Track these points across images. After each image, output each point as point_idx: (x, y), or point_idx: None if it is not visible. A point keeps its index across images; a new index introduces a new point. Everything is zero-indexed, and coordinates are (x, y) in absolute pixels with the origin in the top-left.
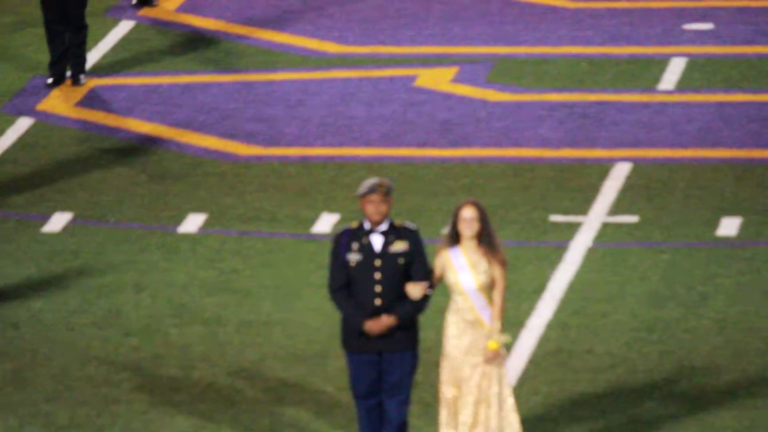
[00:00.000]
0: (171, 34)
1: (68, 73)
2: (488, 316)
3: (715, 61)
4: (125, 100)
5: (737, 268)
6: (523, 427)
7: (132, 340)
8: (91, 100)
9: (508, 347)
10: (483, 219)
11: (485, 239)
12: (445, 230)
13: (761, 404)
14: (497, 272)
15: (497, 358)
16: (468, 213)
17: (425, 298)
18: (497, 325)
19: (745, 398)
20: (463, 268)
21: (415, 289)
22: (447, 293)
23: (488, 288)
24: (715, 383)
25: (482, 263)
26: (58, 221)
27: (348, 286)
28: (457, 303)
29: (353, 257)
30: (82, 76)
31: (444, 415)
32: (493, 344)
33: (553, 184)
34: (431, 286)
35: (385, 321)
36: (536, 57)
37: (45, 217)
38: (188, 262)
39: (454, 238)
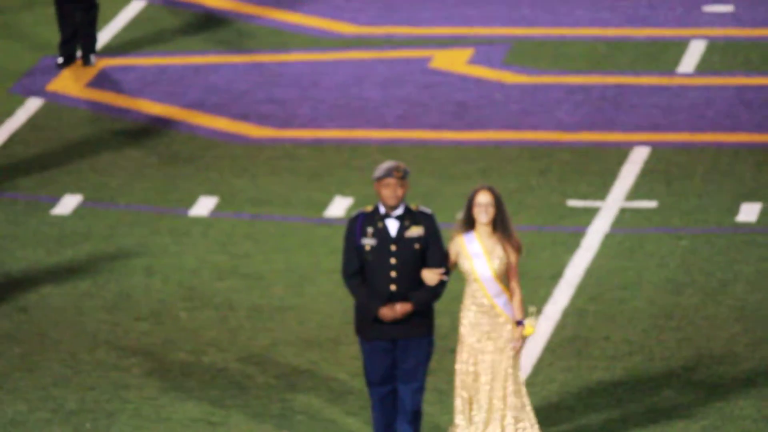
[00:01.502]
0: (182, 13)
1: (79, 53)
2: (503, 302)
3: (735, 44)
4: (136, 80)
5: (757, 254)
6: (538, 415)
7: (142, 324)
8: (102, 81)
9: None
10: (498, 204)
11: (500, 225)
12: (460, 215)
13: None
14: (512, 258)
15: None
16: (483, 198)
17: (441, 285)
18: (522, 312)
19: (764, 386)
20: (477, 255)
21: (431, 275)
22: (462, 279)
23: (503, 275)
24: (733, 371)
25: (497, 249)
26: (68, 203)
27: (362, 271)
28: (473, 290)
29: (368, 242)
30: (92, 56)
31: (459, 402)
32: (529, 330)
33: (570, 168)
34: (447, 272)
35: (401, 308)
36: (553, 39)
37: (55, 199)
38: (199, 246)
39: (469, 224)
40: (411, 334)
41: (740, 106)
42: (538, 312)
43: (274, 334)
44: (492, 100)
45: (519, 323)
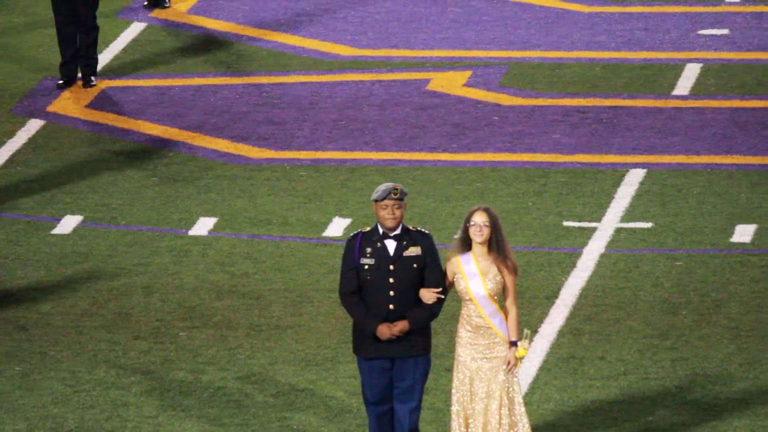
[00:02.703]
0: (182, 35)
1: (79, 75)
2: (499, 322)
3: (730, 67)
4: (136, 102)
5: (751, 275)
6: None
7: (142, 343)
8: (102, 102)
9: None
10: (494, 225)
11: (496, 246)
12: (457, 236)
13: None
14: (508, 279)
15: (518, 366)
16: (479, 219)
17: (438, 304)
18: (518, 333)
19: (758, 406)
20: (473, 275)
21: (428, 295)
22: (459, 299)
23: (498, 294)
24: (728, 391)
25: (492, 270)
26: (68, 223)
27: (359, 291)
28: (468, 309)
29: (367, 261)
30: (93, 78)
31: (455, 422)
32: (522, 352)
33: (566, 189)
34: (444, 292)
35: (399, 326)
36: (550, 61)
37: (55, 219)
38: (198, 266)
39: (466, 244)
40: (408, 353)
41: (735, 129)
42: (533, 333)
43: (273, 353)
44: (489, 122)
45: (513, 344)
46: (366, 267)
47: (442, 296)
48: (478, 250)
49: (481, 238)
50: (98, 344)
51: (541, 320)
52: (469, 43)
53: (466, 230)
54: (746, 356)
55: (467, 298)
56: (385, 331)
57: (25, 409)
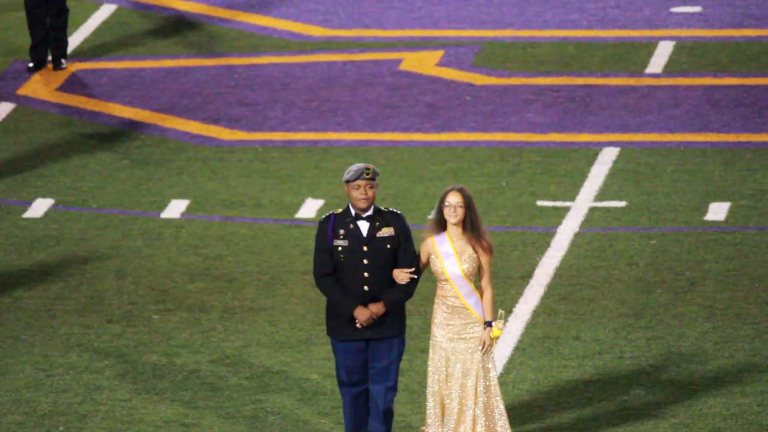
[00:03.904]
0: (153, 17)
1: (49, 58)
2: (474, 302)
3: (703, 45)
4: (107, 84)
5: (726, 253)
6: (509, 415)
7: (114, 327)
8: (73, 85)
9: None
10: (468, 205)
11: (470, 226)
12: (431, 216)
13: (749, 390)
14: (483, 259)
15: (493, 346)
16: (453, 199)
17: (412, 284)
18: (492, 313)
19: (734, 384)
20: (448, 255)
21: (401, 275)
22: (434, 280)
23: (473, 275)
24: (703, 369)
25: (468, 250)
26: (39, 207)
27: (334, 272)
28: (444, 290)
29: (340, 243)
30: (63, 61)
31: (431, 403)
32: (496, 332)
33: (540, 168)
34: (417, 272)
35: (374, 309)
36: (523, 40)
37: (26, 203)
38: (171, 248)
39: (440, 225)
40: (383, 334)
41: (708, 107)
42: (507, 313)
43: (247, 335)
44: (462, 101)
45: (487, 324)
46: (339, 249)
47: (416, 276)
48: (453, 230)
49: (456, 218)
50: (71, 328)
51: (515, 300)
52: (441, 23)
53: (440, 211)
54: (721, 334)
55: (443, 278)
56: (362, 315)
57: None
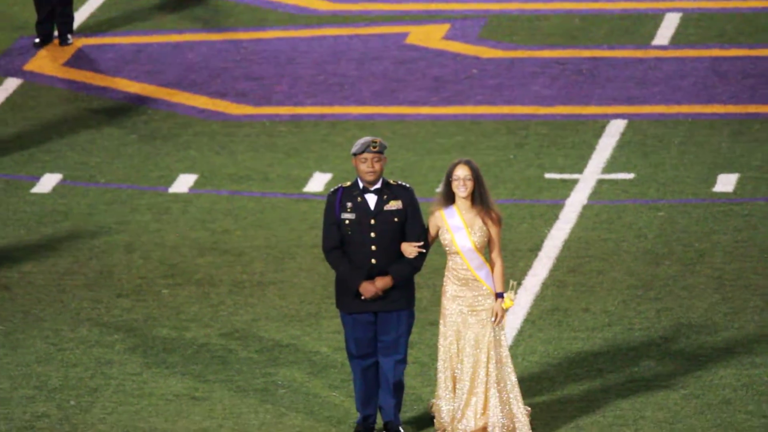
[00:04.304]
0: None
1: (55, 33)
2: (485, 274)
3: (710, 16)
4: (113, 59)
5: (734, 224)
6: (519, 387)
7: (124, 301)
8: (79, 60)
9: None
10: (476, 178)
11: (479, 198)
12: (440, 190)
13: (759, 361)
14: (493, 231)
15: (505, 317)
16: (461, 173)
17: (421, 257)
18: (503, 285)
19: (743, 355)
20: (458, 229)
21: (409, 249)
22: (442, 253)
23: (484, 247)
24: (713, 340)
25: (477, 223)
26: (47, 182)
27: (342, 245)
28: (454, 263)
29: (348, 216)
30: (69, 36)
31: (442, 375)
32: (508, 303)
33: (547, 141)
34: (426, 246)
35: (380, 283)
36: (529, 13)
37: (34, 178)
38: (179, 223)
39: (449, 198)
40: (391, 307)
41: (715, 78)
42: (518, 285)
43: (256, 309)
44: (468, 74)
45: (499, 296)
46: (347, 222)
47: (424, 250)
48: (462, 203)
49: (465, 192)
50: (81, 302)
51: (524, 272)
52: None
53: (448, 184)
54: (730, 305)
55: (453, 251)
56: (369, 288)
57: (9, 368)
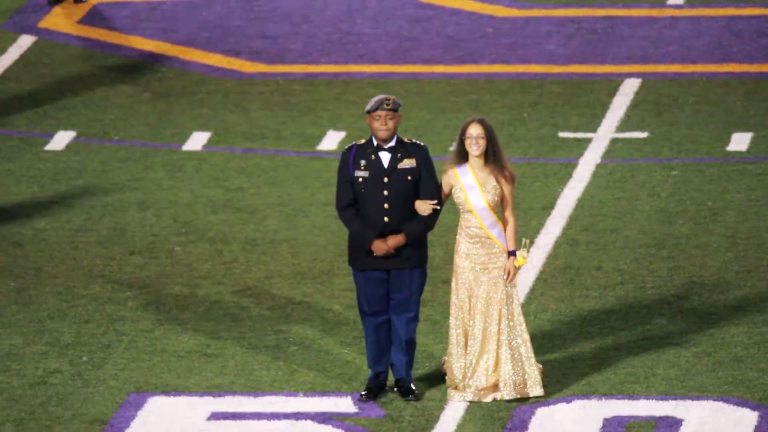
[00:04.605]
0: None
1: None
2: (498, 233)
3: None
4: (128, 17)
5: (748, 183)
6: (531, 345)
7: (137, 258)
8: (94, 18)
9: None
10: (490, 136)
11: (492, 157)
12: (453, 148)
13: None
14: (506, 190)
15: (517, 275)
16: (474, 131)
17: (434, 215)
18: (515, 243)
19: (755, 313)
20: (472, 187)
21: (423, 206)
22: (455, 211)
23: (497, 205)
24: (725, 299)
25: (490, 181)
26: (61, 139)
27: (355, 203)
28: (467, 221)
29: (361, 174)
30: None
31: (454, 333)
32: (521, 261)
33: (561, 100)
34: (440, 204)
35: (393, 241)
36: None
37: (48, 136)
38: (193, 180)
39: (462, 156)
40: (404, 264)
41: (730, 37)
42: (531, 243)
43: (269, 266)
44: (483, 33)
45: (511, 254)
46: (360, 180)
47: (438, 207)
48: (475, 162)
49: (478, 150)
50: (93, 259)
51: (537, 231)
52: None
53: (461, 143)
54: (743, 264)
55: (466, 210)
56: (381, 246)
57: (22, 324)
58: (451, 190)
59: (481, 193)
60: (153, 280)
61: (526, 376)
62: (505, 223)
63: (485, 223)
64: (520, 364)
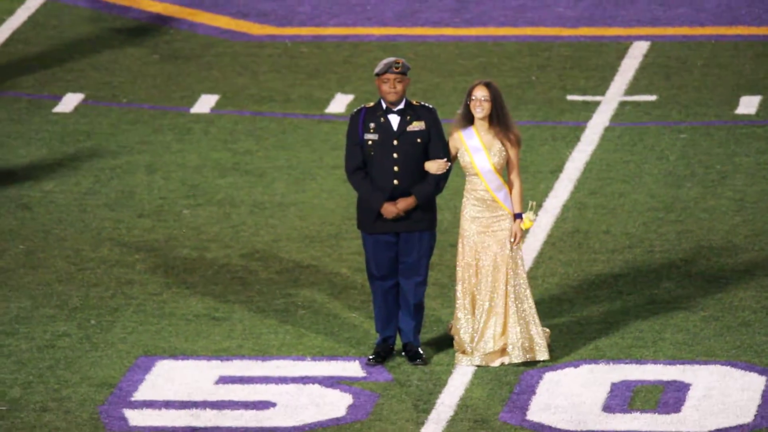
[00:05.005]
0: None
1: None
2: (503, 196)
3: None
4: None
5: (756, 146)
6: (538, 309)
7: (145, 221)
8: None
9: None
10: (495, 99)
11: (497, 120)
12: (459, 111)
13: None
14: (512, 152)
15: (523, 238)
16: (479, 93)
17: (444, 178)
18: (521, 206)
19: (763, 277)
20: (477, 150)
21: (434, 165)
22: (464, 175)
23: (502, 168)
24: (733, 263)
25: (496, 144)
26: (69, 102)
27: (364, 166)
28: (473, 184)
29: (370, 137)
30: None
31: (460, 296)
32: (527, 224)
33: (570, 63)
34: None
35: (402, 204)
36: None
37: (57, 98)
38: (201, 143)
39: (467, 119)
40: (413, 228)
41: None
42: (538, 206)
43: (277, 230)
44: None
45: (518, 216)
46: (370, 143)
47: (450, 163)
48: (480, 124)
49: (482, 113)
50: (102, 222)
51: (545, 194)
52: None
53: (467, 105)
54: (751, 227)
55: (472, 172)
56: (391, 209)
57: (30, 287)
58: (457, 153)
59: (487, 155)
60: (161, 244)
61: (532, 340)
62: (510, 186)
63: (491, 186)
64: (526, 328)
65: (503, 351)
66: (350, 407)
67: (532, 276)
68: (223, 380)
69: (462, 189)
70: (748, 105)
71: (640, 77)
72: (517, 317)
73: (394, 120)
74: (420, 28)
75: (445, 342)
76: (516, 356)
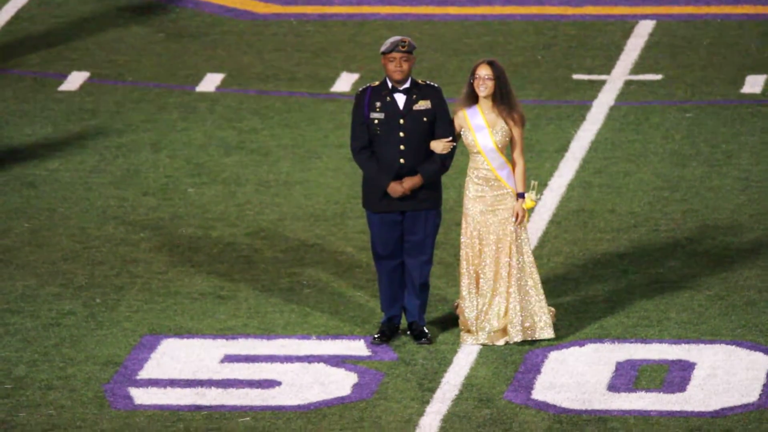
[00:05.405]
0: None
1: None
2: (507, 174)
3: None
4: None
5: (762, 125)
6: (544, 288)
7: (150, 199)
8: None
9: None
10: (499, 78)
11: (500, 98)
12: (464, 89)
13: None
14: (515, 131)
15: (526, 217)
16: (482, 72)
17: (449, 156)
18: (524, 185)
19: None
20: (480, 128)
21: (440, 144)
22: (468, 154)
23: (506, 147)
24: (738, 242)
25: (499, 122)
26: (75, 80)
27: (370, 145)
28: (476, 162)
29: (377, 116)
30: None
31: (465, 275)
32: (530, 203)
33: (575, 41)
34: (454, 142)
35: (408, 183)
36: None
37: (62, 76)
38: (206, 122)
39: (471, 98)
40: (419, 206)
41: None
42: (541, 185)
43: (282, 208)
44: None
45: (520, 196)
46: (376, 121)
47: (455, 143)
48: (484, 103)
49: (486, 91)
50: (107, 201)
51: (550, 173)
52: None
53: (471, 84)
54: (756, 207)
55: (475, 151)
56: (397, 188)
57: (35, 265)
58: (460, 132)
59: (490, 134)
60: (166, 222)
61: (536, 319)
62: (514, 165)
63: (494, 165)
64: (530, 306)
65: (507, 330)
66: (355, 386)
67: (537, 255)
68: (228, 359)
69: (465, 167)
70: (754, 84)
71: (645, 56)
72: (519, 296)
73: (400, 99)
74: (425, 6)
75: (450, 321)
76: (515, 335)
